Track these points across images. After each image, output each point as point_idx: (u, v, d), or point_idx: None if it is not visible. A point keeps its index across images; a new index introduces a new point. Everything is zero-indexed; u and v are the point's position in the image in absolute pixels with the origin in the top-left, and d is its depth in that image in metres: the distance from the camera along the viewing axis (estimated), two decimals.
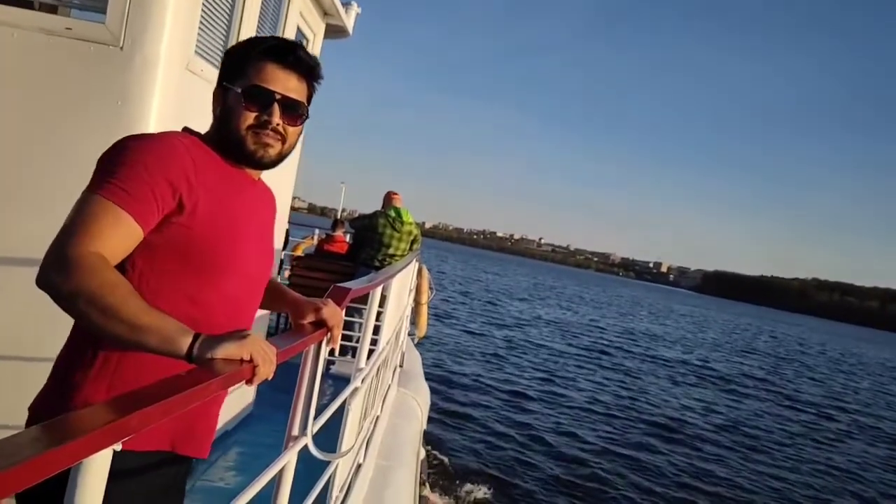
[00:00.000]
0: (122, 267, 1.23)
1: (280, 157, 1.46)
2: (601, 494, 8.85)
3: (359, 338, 2.99)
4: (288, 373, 1.46)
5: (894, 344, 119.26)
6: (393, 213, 6.33)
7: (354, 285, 2.07)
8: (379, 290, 2.75)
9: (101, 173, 1.23)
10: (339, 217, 11.55)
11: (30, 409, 1.33)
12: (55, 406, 1.27)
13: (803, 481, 11.17)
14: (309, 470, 1.81)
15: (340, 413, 2.34)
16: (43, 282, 1.10)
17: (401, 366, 5.83)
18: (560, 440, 10.88)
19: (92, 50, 2.46)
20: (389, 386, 4.57)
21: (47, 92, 2.49)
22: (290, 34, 3.82)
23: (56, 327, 1.34)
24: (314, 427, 1.63)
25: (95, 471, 0.84)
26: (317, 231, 9.98)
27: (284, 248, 6.87)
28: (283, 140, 1.43)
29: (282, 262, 7.76)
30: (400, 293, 4.01)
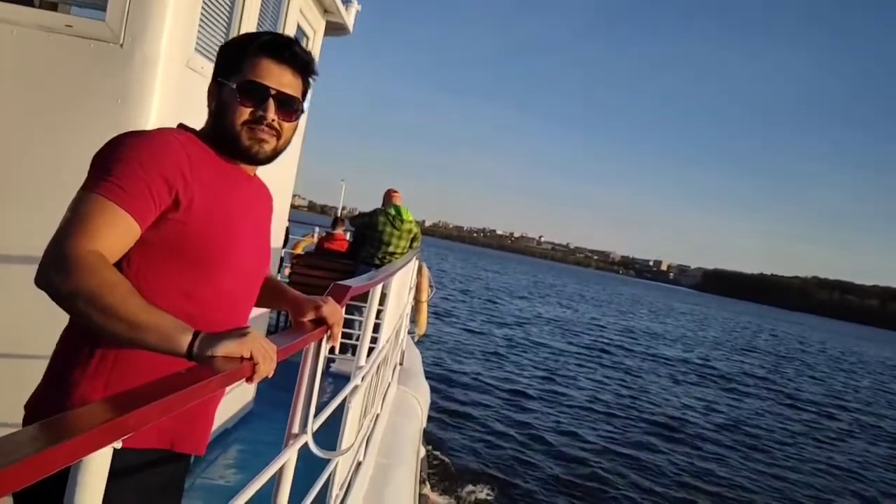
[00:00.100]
0: (118, 264, 1.22)
1: (275, 153, 1.46)
2: (601, 494, 8.84)
3: (359, 336, 2.99)
4: (288, 371, 1.46)
5: (895, 342, 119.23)
6: (393, 211, 6.32)
7: (354, 283, 2.07)
8: (379, 288, 2.74)
9: (97, 171, 1.23)
10: (339, 215, 11.54)
11: (26, 406, 1.32)
12: (52, 404, 1.26)
13: (804, 480, 11.16)
14: (309, 468, 1.80)
15: (340, 411, 2.34)
16: (42, 281, 1.10)
17: (401, 364, 5.83)
18: (560, 439, 10.87)
19: (92, 47, 2.45)
20: (389, 384, 4.57)
21: (47, 89, 2.48)
22: (290, 31, 3.82)
23: (55, 326, 1.33)
24: (314, 425, 1.63)
25: (95, 469, 0.84)
26: (317, 229, 9.95)
27: (285, 245, 6.86)
28: (279, 135, 1.42)
29: (282, 259, 7.75)
30: (400, 291, 4.01)
